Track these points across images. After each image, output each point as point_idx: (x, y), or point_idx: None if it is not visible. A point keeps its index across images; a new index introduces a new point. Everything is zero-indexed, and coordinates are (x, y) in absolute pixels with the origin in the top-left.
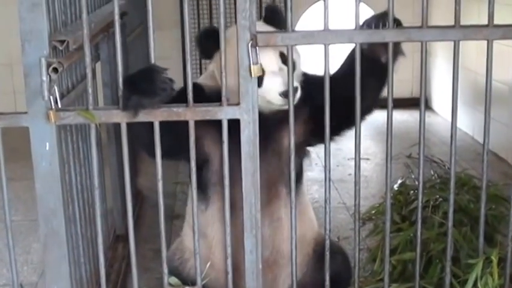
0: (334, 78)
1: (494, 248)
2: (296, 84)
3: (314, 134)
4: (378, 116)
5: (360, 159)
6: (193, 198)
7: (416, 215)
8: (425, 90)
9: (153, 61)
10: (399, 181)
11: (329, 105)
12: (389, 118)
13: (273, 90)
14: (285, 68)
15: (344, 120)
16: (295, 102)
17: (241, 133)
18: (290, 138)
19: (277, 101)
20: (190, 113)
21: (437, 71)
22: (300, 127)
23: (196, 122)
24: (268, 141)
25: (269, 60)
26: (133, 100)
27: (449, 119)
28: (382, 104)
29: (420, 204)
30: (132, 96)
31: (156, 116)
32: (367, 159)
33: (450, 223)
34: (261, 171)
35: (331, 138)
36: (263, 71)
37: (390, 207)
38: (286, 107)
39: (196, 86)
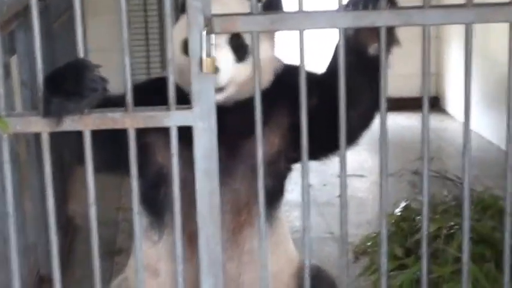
0: (324, 76)
1: None
2: (223, 64)
3: (297, 146)
4: (376, 122)
5: (345, 175)
6: (135, 223)
7: (422, 248)
8: (430, 87)
9: (81, 55)
10: (403, 204)
11: (307, 106)
12: (383, 124)
13: None
14: (225, 48)
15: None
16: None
17: (194, 145)
18: (257, 148)
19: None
20: (130, 120)
21: (452, 63)
22: (277, 135)
23: None
24: (237, 151)
25: None
26: (55, 104)
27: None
28: (389, 107)
29: (425, 233)
30: (54, 99)
31: (86, 123)
32: (362, 176)
33: (466, 257)
34: (228, 189)
35: (320, 156)
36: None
37: (387, 238)
38: None
39: (162, 81)
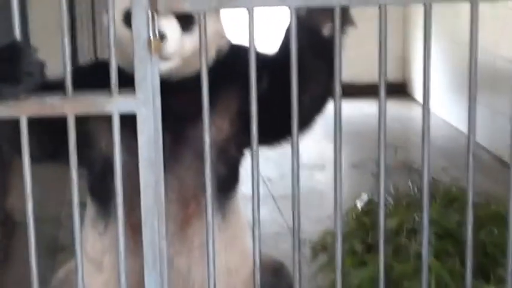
0: (274, 57)
1: (492, 286)
2: (169, 31)
3: (247, 130)
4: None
5: (298, 164)
6: (75, 215)
7: (381, 243)
8: (386, 72)
9: (17, 36)
10: (365, 197)
11: (256, 88)
12: (337, 111)
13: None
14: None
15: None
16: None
17: (138, 133)
18: (204, 134)
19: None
20: (69, 106)
21: (420, 47)
22: (226, 119)
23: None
24: (183, 136)
25: None
26: None
27: (437, 112)
28: (347, 92)
29: (382, 225)
30: None
31: (22, 110)
32: (322, 166)
33: (425, 252)
34: (175, 178)
35: (272, 142)
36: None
37: (348, 234)
38: None
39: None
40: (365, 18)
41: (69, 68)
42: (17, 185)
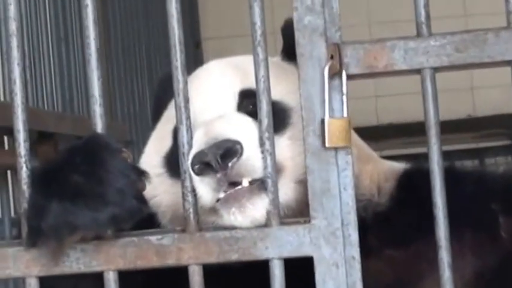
0: None
1: None
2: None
3: None
4: None
5: None
6: None
7: None
8: None
9: (99, 127)
10: None
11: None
12: None
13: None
14: (243, 119)
15: None
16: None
17: None
18: None
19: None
20: (191, 248)
21: None
22: None
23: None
24: None
25: (206, 98)
26: (52, 215)
27: None
28: None
29: None
30: (50, 207)
31: (109, 257)
32: None
33: None
34: None
35: None
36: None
37: None
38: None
39: None
40: None
41: (189, 179)
42: None
